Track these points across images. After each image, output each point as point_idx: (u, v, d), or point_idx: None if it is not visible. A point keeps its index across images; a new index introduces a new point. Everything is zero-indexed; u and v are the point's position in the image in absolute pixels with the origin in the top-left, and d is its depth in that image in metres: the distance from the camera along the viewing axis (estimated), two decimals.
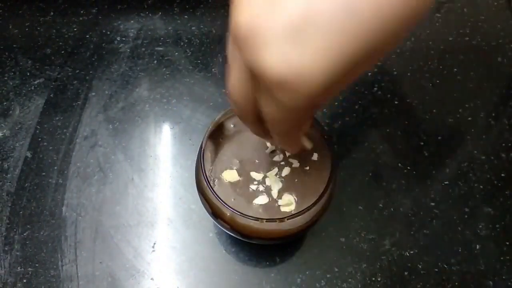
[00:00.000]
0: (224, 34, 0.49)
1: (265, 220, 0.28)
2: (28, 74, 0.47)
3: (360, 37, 0.17)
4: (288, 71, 0.18)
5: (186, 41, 0.50)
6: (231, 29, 0.19)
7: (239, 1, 0.19)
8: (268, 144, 0.32)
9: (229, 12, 0.20)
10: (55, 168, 0.42)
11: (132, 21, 0.51)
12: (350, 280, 0.37)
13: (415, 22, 0.19)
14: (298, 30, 0.17)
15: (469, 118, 0.45)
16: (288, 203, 0.30)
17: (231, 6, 0.20)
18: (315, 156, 0.32)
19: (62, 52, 0.49)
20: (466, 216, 0.40)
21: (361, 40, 0.17)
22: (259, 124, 0.25)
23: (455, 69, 0.48)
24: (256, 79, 0.20)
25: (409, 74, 0.47)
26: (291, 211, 0.30)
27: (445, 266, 0.37)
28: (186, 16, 0.51)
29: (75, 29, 0.50)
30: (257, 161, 0.31)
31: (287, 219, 0.28)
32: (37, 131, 0.44)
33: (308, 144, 0.29)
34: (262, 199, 0.30)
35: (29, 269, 0.37)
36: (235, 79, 0.22)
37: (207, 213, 0.32)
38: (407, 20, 0.18)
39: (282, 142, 0.26)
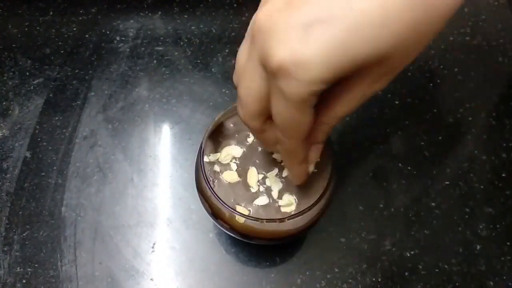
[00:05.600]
0: (224, 34, 0.49)
1: (265, 221, 0.28)
2: (28, 74, 0.47)
3: (366, 39, 0.19)
4: (289, 58, 0.19)
5: (186, 40, 0.49)
6: (251, 25, 0.21)
7: (263, 1, 0.21)
8: None
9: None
10: (55, 168, 0.42)
11: (131, 21, 0.51)
12: (350, 280, 0.37)
13: (427, 33, 0.20)
14: (308, 26, 0.19)
15: (470, 118, 0.45)
16: (288, 204, 0.30)
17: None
18: None
19: (62, 52, 0.49)
20: (466, 216, 0.39)
21: (367, 43, 0.19)
22: (265, 131, 0.25)
23: (456, 69, 0.47)
24: (268, 76, 0.21)
25: (409, 74, 0.47)
26: (292, 211, 0.30)
27: (446, 267, 0.37)
28: (185, 16, 0.51)
29: (74, 29, 0.50)
30: (257, 161, 0.31)
31: (288, 220, 0.28)
32: (37, 131, 0.44)
33: (311, 168, 0.29)
34: (262, 200, 0.30)
35: (29, 269, 0.37)
36: (249, 80, 0.23)
37: (207, 213, 0.32)
38: (418, 32, 0.19)
39: (288, 159, 0.27)
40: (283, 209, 0.30)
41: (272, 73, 0.20)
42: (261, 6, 0.21)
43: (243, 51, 0.23)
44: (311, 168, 0.29)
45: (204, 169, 0.30)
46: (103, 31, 0.50)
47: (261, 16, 0.21)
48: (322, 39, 0.19)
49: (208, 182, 0.29)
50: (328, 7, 0.19)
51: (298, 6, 0.19)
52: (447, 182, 0.41)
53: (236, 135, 0.32)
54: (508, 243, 0.38)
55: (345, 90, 0.23)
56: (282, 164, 0.31)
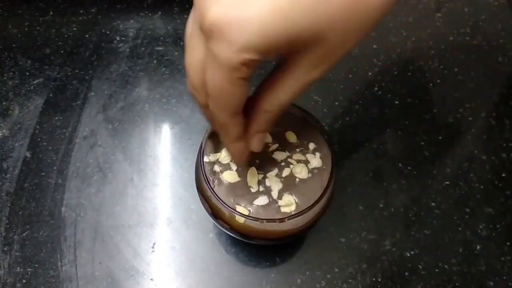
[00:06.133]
0: None
1: (265, 221, 0.28)
2: (28, 74, 0.47)
3: (304, 11, 0.18)
4: (223, 17, 0.19)
5: None
6: None
7: None
8: (270, 144, 0.32)
9: None
10: (55, 168, 0.42)
11: (131, 21, 0.51)
12: (350, 280, 0.37)
13: (365, 17, 0.20)
14: None
15: (470, 118, 0.45)
16: (288, 204, 0.30)
17: None
18: (316, 156, 0.32)
19: (62, 52, 0.49)
20: (466, 216, 0.39)
21: (304, 15, 0.19)
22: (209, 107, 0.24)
23: (456, 69, 0.47)
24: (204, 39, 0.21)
25: (409, 74, 0.47)
26: (291, 211, 0.30)
27: (446, 267, 0.37)
28: (185, 16, 0.51)
29: (74, 29, 0.50)
30: (257, 161, 0.31)
31: (287, 220, 0.28)
32: (37, 131, 0.44)
33: (256, 145, 0.27)
34: (262, 200, 0.30)
35: (29, 269, 0.37)
36: (191, 48, 0.23)
37: (207, 213, 0.32)
38: (356, 14, 0.20)
39: (221, 135, 0.26)
40: (283, 209, 0.30)
41: (206, 34, 0.20)
42: None
43: (189, 22, 0.23)
44: (257, 144, 0.27)
45: (204, 169, 0.30)
46: (103, 31, 0.50)
47: None
48: (261, 3, 0.18)
49: (208, 182, 0.29)
50: None
51: None
52: (447, 182, 0.41)
53: None
54: (508, 243, 0.38)
55: (284, 74, 0.22)
56: (282, 164, 0.31)
